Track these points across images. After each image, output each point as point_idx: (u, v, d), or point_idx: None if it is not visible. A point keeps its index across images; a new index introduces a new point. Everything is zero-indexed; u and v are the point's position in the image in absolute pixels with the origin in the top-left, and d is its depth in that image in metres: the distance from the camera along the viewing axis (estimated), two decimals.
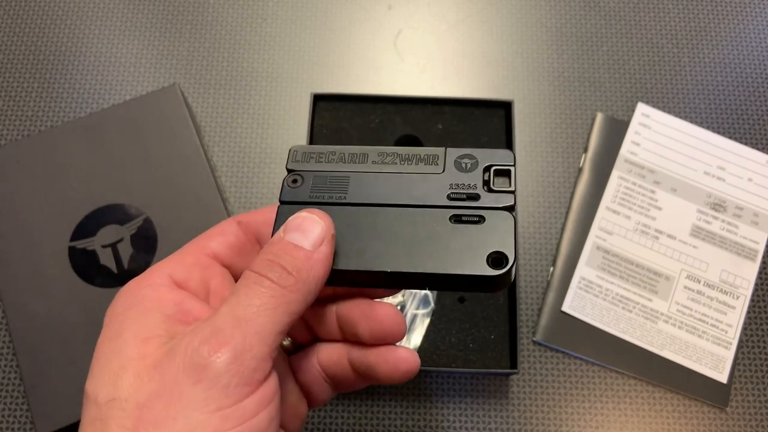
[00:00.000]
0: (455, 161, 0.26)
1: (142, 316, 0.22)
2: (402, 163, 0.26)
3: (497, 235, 0.24)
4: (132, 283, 0.23)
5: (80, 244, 0.46)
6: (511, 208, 0.25)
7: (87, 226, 0.47)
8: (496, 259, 0.24)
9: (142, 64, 0.55)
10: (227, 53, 0.56)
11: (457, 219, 0.25)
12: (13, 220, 0.47)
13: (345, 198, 0.25)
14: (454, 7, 0.58)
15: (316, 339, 0.27)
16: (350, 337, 0.26)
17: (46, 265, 0.46)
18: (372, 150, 0.27)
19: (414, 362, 0.25)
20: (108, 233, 0.46)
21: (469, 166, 0.26)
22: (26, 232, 0.46)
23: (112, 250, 0.46)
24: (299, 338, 0.28)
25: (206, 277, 0.24)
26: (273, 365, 0.21)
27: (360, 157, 0.26)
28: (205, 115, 0.54)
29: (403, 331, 0.25)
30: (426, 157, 0.26)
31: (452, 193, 0.25)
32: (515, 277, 0.45)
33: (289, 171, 0.27)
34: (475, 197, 0.25)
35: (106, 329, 0.22)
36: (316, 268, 0.22)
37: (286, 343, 0.27)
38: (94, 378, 0.21)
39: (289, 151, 0.27)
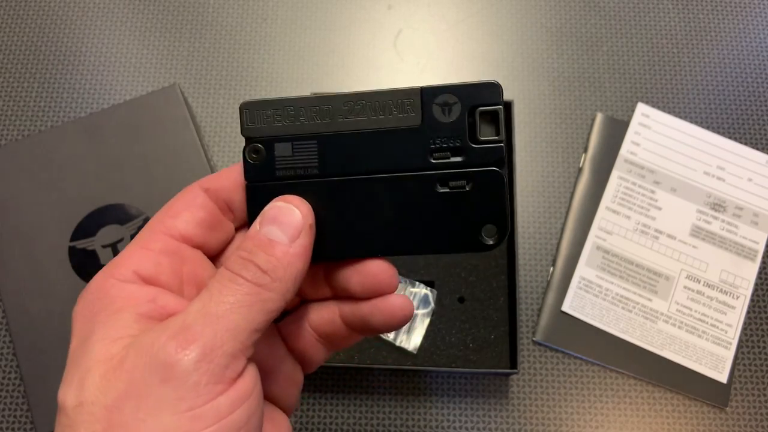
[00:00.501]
0: (434, 106, 0.22)
1: (111, 318, 0.20)
2: (374, 114, 0.22)
3: (488, 202, 0.22)
4: (97, 281, 0.22)
5: (80, 244, 0.46)
6: (501, 162, 0.22)
7: (87, 226, 0.47)
8: (490, 229, 0.22)
9: (142, 64, 0.55)
10: (227, 53, 0.56)
11: (443, 184, 0.22)
12: (13, 220, 0.47)
13: (316, 170, 0.23)
14: (454, 7, 0.58)
15: (303, 301, 0.26)
16: (341, 293, 0.25)
17: (46, 265, 0.46)
18: (337, 98, 0.23)
19: (409, 308, 0.24)
20: (108, 233, 0.46)
21: (450, 111, 0.22)
22: (26, 232, 0.46)
23: (112, 250, 0.46)
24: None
25: (176, 265, 0.22)
26: (248, 362, 0.20)
27: (324, 110, 0.23)
28: (205, 115, 0.54)
29: (395, 283, 0.24)
30: (400, 103, 0.22)
31: (435, 149, 0.22)
32: (515, 277, 0.45)
33: (247, 139, 0.23)
34: (460, 151, 0.22)
35: (75, 334, 0.21)
36: (294, 264, 0.21)
37: None
38: (64, 385, 0.20)
39: (240, 109, 0.23)
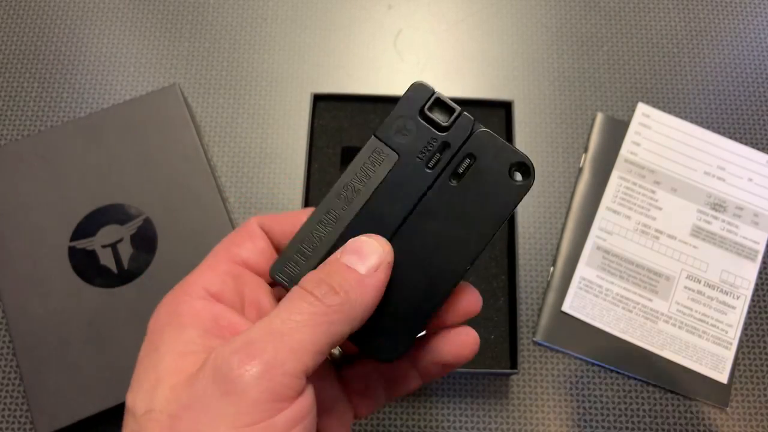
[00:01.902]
0: (395, 136, 0.24)
1: (178, 332, 0.21)
2: (362, 183, 0.24)
3: (496, 156, 0.24)
4: (169, 297, 0.23)
5: (80, 244, 0.46)
6: (475, 124, 0.24)
7: (87, 226, 0.47)
8: (517, 172, 0.23)
9: (142, 64, 0.55)
10: (227, 53, 0.56)
11: (454, 177, 0.24)
12: (13, 220, 0.47)
13: None
14: (454, 7, 0.58)
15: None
16: (432, 370, 0.26)
17: (46, 265, 0.46)
18: (327, 201, 0.24)
19: (476, 341, 0.26)
20: (108, 233, 0.46)
21: (408, 129, 0.24)
22: (26, 232, 0.46)
23: (112, 250, 0.46)
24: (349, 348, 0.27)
25: (240, 286, 0.24)
26: (308, 383, 0.20)
27: (328, 220, 0.24)
28: (205, 115, 0.54)
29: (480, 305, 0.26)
30: (371, 158, 0.24)
31: (424, 161, 0.24)
32: (515, 277, 0.45)
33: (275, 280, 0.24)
34: (443, 147, 0.24)
35: (146, 344, 0.22)
36: (367, 293, 0.22)
37: (336, 352, 0.27)
38: (133, 391, 0.21)
39: (274, 279, 0.24)
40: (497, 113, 0.50)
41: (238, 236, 0.25)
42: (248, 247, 0.25)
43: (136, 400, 0.20)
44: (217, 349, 0.20)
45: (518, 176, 0.24)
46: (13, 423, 0.45)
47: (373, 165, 0.24)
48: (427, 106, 0.24)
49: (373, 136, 0.24)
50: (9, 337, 0.46)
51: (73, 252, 0.46)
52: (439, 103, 0.24)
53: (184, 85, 0.55)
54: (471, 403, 0.45)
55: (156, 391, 0.20)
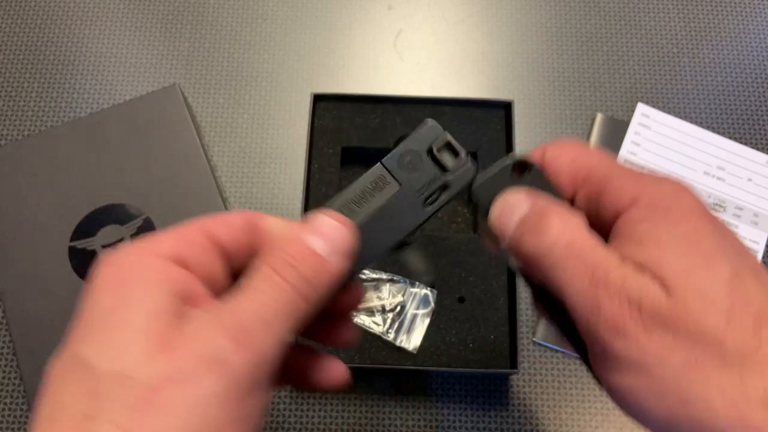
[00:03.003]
0: (401, 168, 0.25)
1: (151, 289, 0.20)
2: (362, 203, 0.24)
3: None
4: (133, 251, 0.21)
5: (80, 244, 0.46)
6: (475, 171, 0.25)
7: (87, 226, 0.47)
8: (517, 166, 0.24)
9: (142, 64, 0.55)
10: (227, 53, 0.56)
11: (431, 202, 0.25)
12: (13, 220, 0.47)
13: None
14: (454, 7, 0.58)
15: None
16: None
17: (46, 265, 0.46)
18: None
19: (345, 376, 0.25)
20: (108, 233, 0.46)
21: (415, 164, 0.25)
22: (26, 232, 0.46)
23: None
24: None
25: (208, 264, 0.23)
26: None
27: None
28: (205, 115, 0.54)
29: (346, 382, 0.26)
30: (376, 183, 0.25)
31: (426, 197, 0.25)
32: (515, 277, 0.45)
33: None
34: (445, 186, 0.25)
35: (107, 294, 0.20)
36: (333, 284, 0.22)
37: None
38: (92, 344, 0.19)
39: None
40: (497, 113, 0.50)
41: (216, 218, 0.24)
42: (224, 230, 0.23)
43: (98, 355, 0.19)
44: (203, 325, 0.19)
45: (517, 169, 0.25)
46: (13, 423, 0.45)
47: (374, 190, 0.24)
48: (436, 147, 0.25)
49: (379, 163, 0.25)
50: (9, 337, 0.46)
51: (73, 252, 0.46)
52: (448, 146, 0.25)
53: (184, 85, 0.55)
54: (471, 403, 0.45)
55: (128, 353, 0.18)
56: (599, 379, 0.22)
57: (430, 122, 0.25)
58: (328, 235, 0.22)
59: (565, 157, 0.25)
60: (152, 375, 0.18)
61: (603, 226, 0.23)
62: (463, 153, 0.24)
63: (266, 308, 0.20)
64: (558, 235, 0.22)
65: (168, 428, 0.17)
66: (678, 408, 0.19)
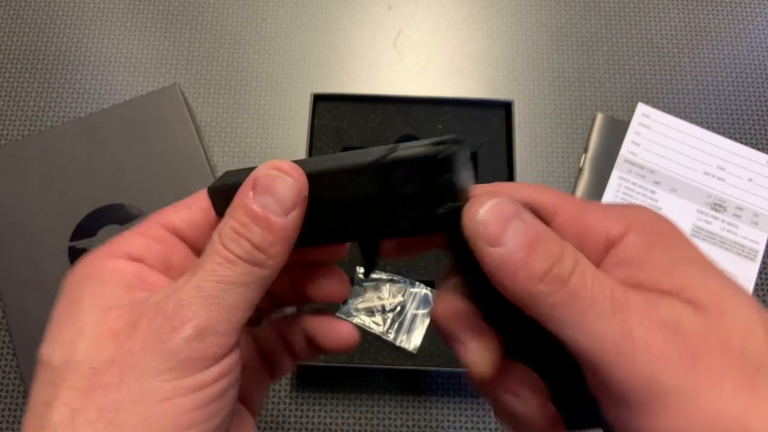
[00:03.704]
0: (396, 174, 0.20)
1: (101, 287, 0.21)
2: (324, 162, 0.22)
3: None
4: (89, 257, 0.22)
5: (80, 244, 0.46)
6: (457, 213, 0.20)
7: (87, 226, 0.47)
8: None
9: (142, 64, 0.55)
10: (227, 53, 0.56)
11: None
12: (13, 220, 0.47)
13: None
14: (454, 7, 0.58)
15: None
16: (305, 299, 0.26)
17: (46, 265, 0.46)
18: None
19: (354, 337, 0.26)
20: (108, 233, 0.46)
21: (408, 181, 0.20)
22: (26, 232, 0.46)
23: None
24: (263, 307, 0.27)
25: (166, 253, 0.23)
26: (237, 339, 0.21)
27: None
28: (205, 115, 0.54)
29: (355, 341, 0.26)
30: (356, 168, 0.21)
31: (398, 217, 0.20)
32: None
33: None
34: (425, 216, 0.20)
35: (64, 298, 0.21)
36: (289, 239, 0.21)
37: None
38: (49, 343, 0.20)
39: (208, 189, 0.24)
40: (497, 113, 0.50)
41: (180, 203, 0.24)
42: (183, 216, 0.24)
43: (54, 352, 0.20)
44: (147, 309, 0.20)
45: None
46: (14, 423, 0.45)
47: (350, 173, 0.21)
48: (439, 180, 0.20)
49: (378, 161, 0.20)
50: (9, 337, 0.46)
51: (73, 252, 0.46)
52: (455, 189, 0.20)
53: (184, 85, 0.55)
54: (471, 403, 0.45)
55: (76, 344, 0.19)
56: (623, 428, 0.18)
57: (446, 157, 0.19)
58: (273, 189, 0.20)
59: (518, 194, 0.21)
60: (98, 360, 0.19)
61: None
62: (461, 204, 0.19)
63: (209, 283, 0.20)
64: (572, 266, 0.18)
65: (113, 404, 0.18)
66: None
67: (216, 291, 0.20)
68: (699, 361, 0.17)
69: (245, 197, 0.21)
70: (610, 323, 0.17)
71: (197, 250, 0.24)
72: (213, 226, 0.23)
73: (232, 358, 0.21)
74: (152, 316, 0.19)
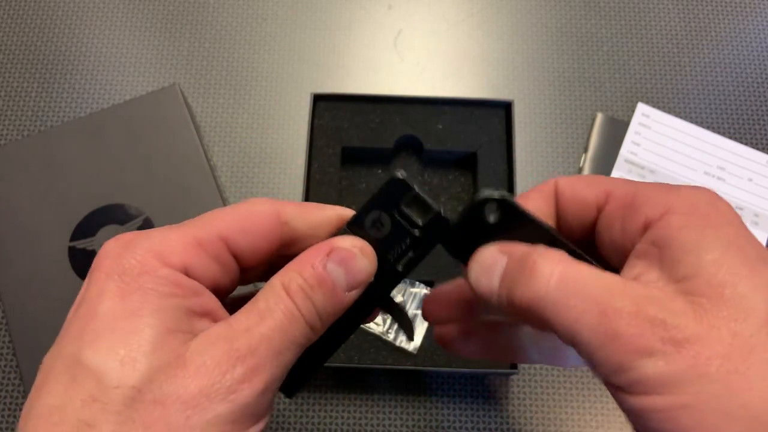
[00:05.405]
0: (369, 229, 0.23)
1: (162, 299, 0.19)
2: None
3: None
4: (142, 251, 0.20)
5: (80, 244, 0.46)
6: (447, 225, 0.23)
7: (87, 226, 0.47)
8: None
9: (142, 64, 0.55)
10: (227, 53, 0.56)
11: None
12: (13, 220, 0.47)
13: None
14: (454, 7, 0.58)
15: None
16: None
17: (46, 265, 0.46)
18: None
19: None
20: (108, 233, 0.46)
21: (382, 223, 0.23)
22: (26, 232, 0.46)
23: None
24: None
25: (218, 276, 0.22)
26: None
27: None
28: (205, 115, 0.54)
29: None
30: None
31: (398, 258, 0.23)
32: None
33: None
34: (416, 244, 0.23)
35: (113, 296, 0.19)
36: (340, 313, 0.22)
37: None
38: (97, 349, 0.18)
39: None
40: (497, 113, 0.50)
41: (238, 222, 0.22)
42: (243, 240, 0.22)
43: (107, 364, 0.18)
44: (208, 340, 0.19)
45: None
46: (13, 423, 0.45)
47: None
48: (404, 203, 0.22)
49: (345, 226, 0.23)
50: (9, 337, 0.46)
51: (73, 252, 0.46)
52: (416, 200, 0.22)
53: (184, 85, 0.55)
54: (471, 403, 0.45)
55: (137, 370, 0.18)
56: (625, 410, 0.20)
57: (398, 175, 0.22)
58: (350, 265, 0.21)
59: (581, 183, 0.24)
60: (162, 392, 0.18)
61: (627, 242, 0.22)
62: (434, 207, 0.22)
63: (278, 336, 0.20)
64: (548, 274, 0.20)
65: None
66: (722, 425, 0.17)
67: (282, 348, 0.20)
68: (684, 351, 0.18)
69: (317, 257, 0.21)
70: (598, 331, 0.19)
71: (249, 267, 0.23)
72: (271, 248, 0.23)
73: (269, 418, 0.21)
74: (222, 357, 0.19)
